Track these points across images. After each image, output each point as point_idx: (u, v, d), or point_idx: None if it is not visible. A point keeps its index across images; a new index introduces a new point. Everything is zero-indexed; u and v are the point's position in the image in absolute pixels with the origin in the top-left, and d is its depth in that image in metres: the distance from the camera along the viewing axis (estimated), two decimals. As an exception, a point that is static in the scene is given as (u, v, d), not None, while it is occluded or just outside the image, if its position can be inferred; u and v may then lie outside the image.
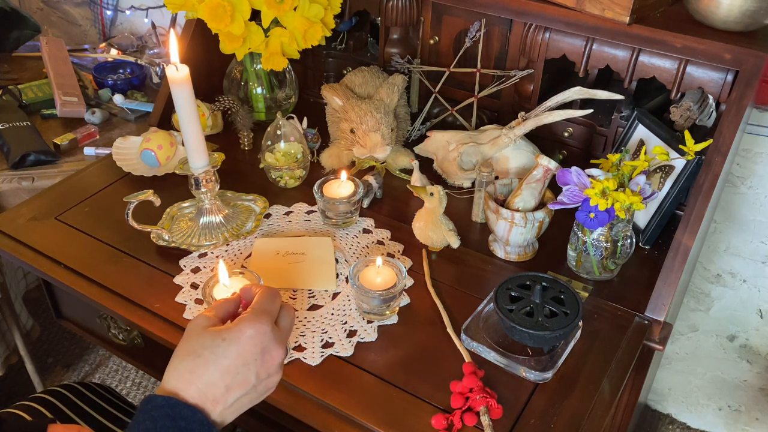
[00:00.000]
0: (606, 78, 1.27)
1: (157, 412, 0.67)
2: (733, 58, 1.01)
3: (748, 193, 1.41)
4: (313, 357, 0.94)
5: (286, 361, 0.94)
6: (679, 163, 1.09)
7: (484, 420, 0.84)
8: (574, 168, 1.02)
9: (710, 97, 1.18)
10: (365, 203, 1.23)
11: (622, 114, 1.23)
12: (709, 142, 1.01)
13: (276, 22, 1.26)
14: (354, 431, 0.86)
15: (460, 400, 0.87)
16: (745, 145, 1.36)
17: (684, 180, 1.08)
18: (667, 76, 1.11)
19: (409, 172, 1.24)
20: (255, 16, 1.25)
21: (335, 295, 1.05)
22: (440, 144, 1.27)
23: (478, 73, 1.32)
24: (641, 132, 1.17)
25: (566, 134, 1.30)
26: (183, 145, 1.16)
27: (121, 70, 1.77)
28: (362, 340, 0.97)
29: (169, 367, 0.72)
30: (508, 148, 1.22)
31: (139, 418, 0.68)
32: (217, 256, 1.11)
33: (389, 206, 1.24)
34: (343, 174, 1.17)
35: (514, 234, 1.08)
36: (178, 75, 0.99)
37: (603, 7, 1.08)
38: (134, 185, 1.26)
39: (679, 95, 1.13)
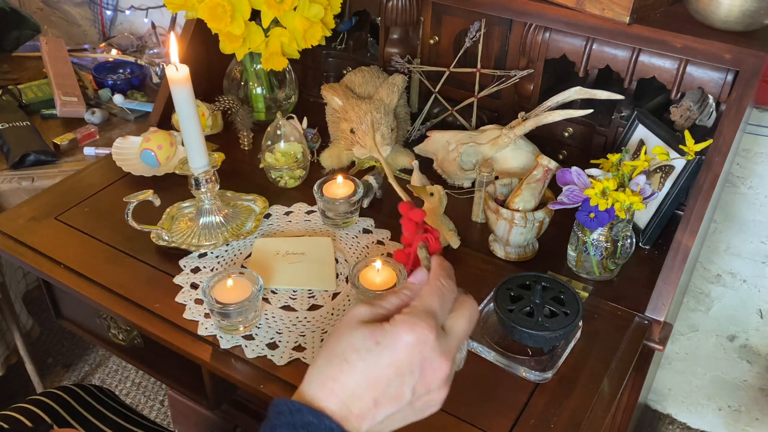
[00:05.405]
0: (606, 78, 1.26)
1: (287, 418, 0.57)
2: (733, 58, 1.01)
3: (748, 193, 1.41)
4: (313, 357, 0.94)
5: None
6: (679, 163, 1.09)
7: (421, 254, 0.73)
8: (574, 168, 1.02)
9: (710, 97, 1.18)
10: (365, 203, 1.23)
11: (622, 114, 1.23)
12: (709, 142, 1.01)
13: (276, 22, 1.26)
14: (354, 431, 0.86)
15: (412, 228, 0.75)
16: (745, 145, 1.36)
17: (684, 180, 1.08)
18: (667, 76, 1.11)
19: (409, 172, 1.24)
20: (255, 16, 1.24)
21: (335, 295, 1.05)
22: (440, 144, 1.27)
23: (478, 73, 1.32)
24: (641, 132, 1.17)
25: (566, 134, 1.30)
26: (183, 145, 1.16)
27: (121, 70, 1.77)
28: (362, 340, 0.97)
29: (313, 365, 0.61)
30: (508, 148, 1.22)
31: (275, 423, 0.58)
32: (217, 256, 1.11)
33: (389, 206, 1.24)
34: (339, 177, 1.17)
35: (514, 234, 1.08)
36: (178, 75, 0.99)
37: (603, 7, 1.08)
38: (134, 185, 1.26)
39: (679, 95, 1.13)
